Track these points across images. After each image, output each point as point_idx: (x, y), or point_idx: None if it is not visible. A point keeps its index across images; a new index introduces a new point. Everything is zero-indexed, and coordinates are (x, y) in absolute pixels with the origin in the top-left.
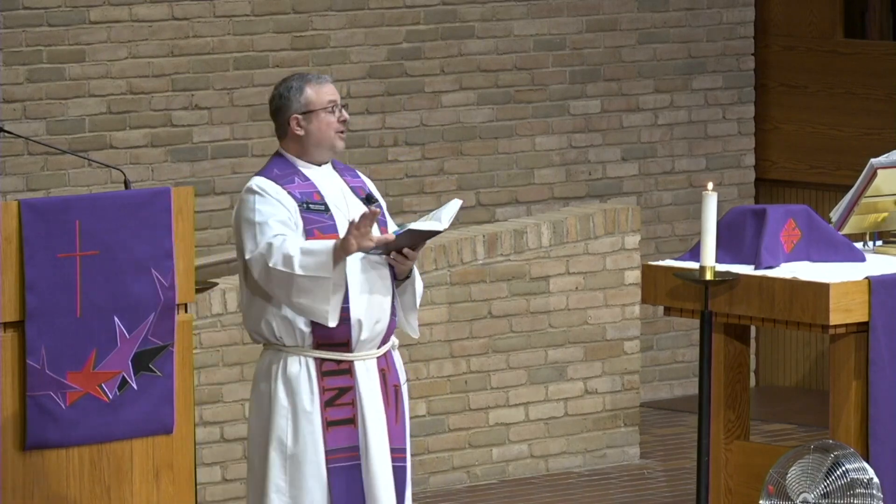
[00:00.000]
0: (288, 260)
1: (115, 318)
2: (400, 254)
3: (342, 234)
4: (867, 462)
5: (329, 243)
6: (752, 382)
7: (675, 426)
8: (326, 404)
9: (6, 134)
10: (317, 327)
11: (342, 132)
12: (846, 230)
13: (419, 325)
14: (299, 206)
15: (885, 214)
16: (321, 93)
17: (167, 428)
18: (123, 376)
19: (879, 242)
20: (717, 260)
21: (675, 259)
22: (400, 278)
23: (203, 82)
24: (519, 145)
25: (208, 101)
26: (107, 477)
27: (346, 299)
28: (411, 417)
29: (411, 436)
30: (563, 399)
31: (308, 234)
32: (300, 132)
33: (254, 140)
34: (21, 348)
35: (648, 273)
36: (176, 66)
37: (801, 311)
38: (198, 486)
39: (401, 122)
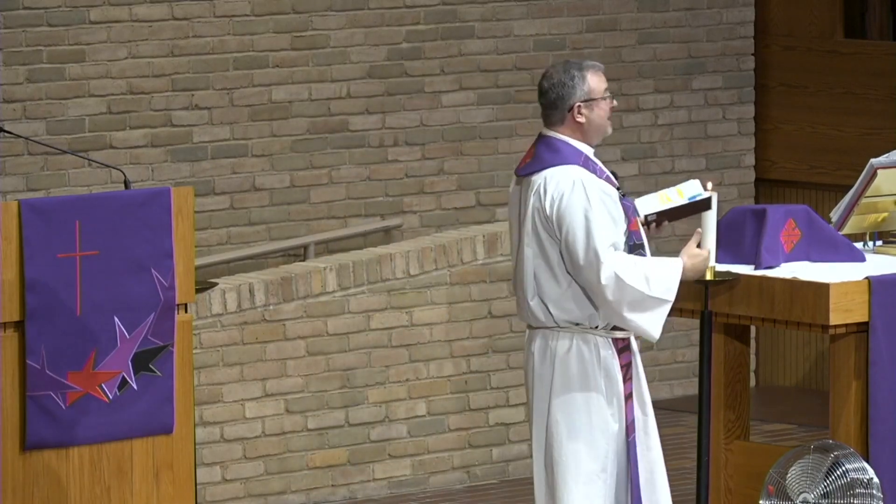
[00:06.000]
0: (643, 279)
1: (115, 318)
2: (658, 227)
3: None
4: (867, 462)
5: (676, 268)
6: (752, 382)
7: (675, 426)
8: (624, 380)
9: (6, 134)
10: None
11: (610, 118)
12: (846, 230)
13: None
14: (618, 193)
15: (885, 214)
16: (600, 81)
17: (167, 428)
18: (123, 376)
19: (879, 242)
20: (717, 260)
21: None
22: None
23: (203, 82)
24: (519, 145)
25: (208, 101)
26: (107, 477)
27: None
28: (411, 417)
29: (411, 435)
30: None
31: (628, 223)
32: (581, 120)
33: (254, 140)
34: (21, 348)
35: None
36: (176, 66)
37: (801, 311)
38: (198, 486)
39: (401, 122)
